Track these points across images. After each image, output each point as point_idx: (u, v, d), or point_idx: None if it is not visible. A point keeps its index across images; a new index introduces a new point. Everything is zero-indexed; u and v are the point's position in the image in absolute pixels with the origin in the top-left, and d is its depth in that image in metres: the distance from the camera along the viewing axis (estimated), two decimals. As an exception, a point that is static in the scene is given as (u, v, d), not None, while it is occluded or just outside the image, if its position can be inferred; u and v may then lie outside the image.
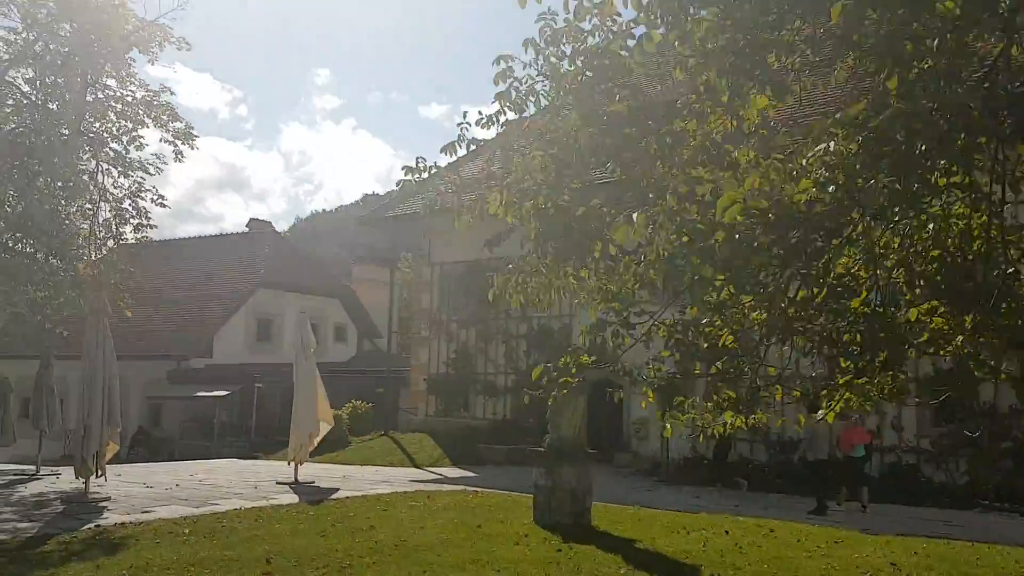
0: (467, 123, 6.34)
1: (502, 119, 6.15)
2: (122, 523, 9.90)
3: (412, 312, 31.48)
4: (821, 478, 14.44)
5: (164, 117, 18.30)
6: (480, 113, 6.02)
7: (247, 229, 41.62)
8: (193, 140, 18.81)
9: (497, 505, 11.61)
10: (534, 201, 5.71)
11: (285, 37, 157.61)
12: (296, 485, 14.92)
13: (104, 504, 11.54)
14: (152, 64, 20.80)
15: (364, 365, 34.67)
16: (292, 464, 15.57)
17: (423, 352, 25.41)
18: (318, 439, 16.10)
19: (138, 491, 13.19)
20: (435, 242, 25.40)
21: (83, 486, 12.12)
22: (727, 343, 5.76)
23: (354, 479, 16.67)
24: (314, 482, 15.51)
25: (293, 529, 9.58)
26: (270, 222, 42.47)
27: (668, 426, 6.17)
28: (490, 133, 6.14)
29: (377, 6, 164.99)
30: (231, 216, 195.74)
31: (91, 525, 9.78)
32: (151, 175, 18.14)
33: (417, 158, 6.11)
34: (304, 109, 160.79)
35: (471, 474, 18.10)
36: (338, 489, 14.17)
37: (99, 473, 12.02)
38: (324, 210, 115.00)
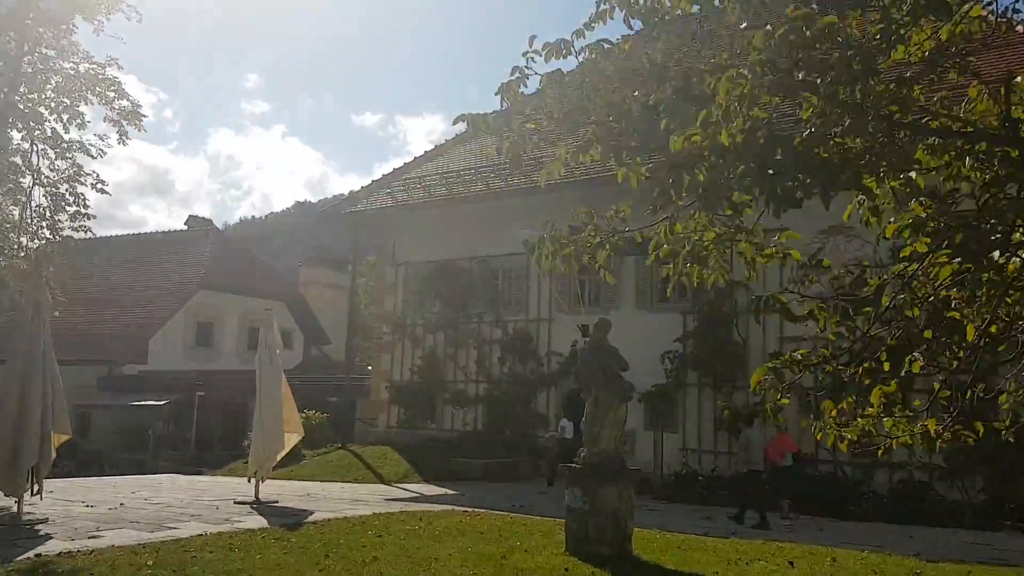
0: (533, 52, 5.08)
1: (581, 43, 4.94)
2: (68, 551, 8.35)
3: (372, 316, 29.97)
4: (755, 489, 14.05)
5: (110, 94, 16.70)
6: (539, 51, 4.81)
7: (185, 227, 39.51)
8: (140, 121, 17.23)
9: (508, 530, 10.31)
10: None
11: (214, 40, 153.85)
12: (259, 505, 13.41)
13: (41, 527, 9.93)
14: (97, 36, 19.10)
15: (312, 373, 32.93)
16: (253, 481, 14.02)
17: (385, 358, 23.95)
18: (283, 453, 14.57)
19: (79, 511, 11.56)
20: (401, 240, 23.99)
21: (15, 506, 10.42)
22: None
23: (321, 498, 15.19)
24: (277, 501, 14.01)
25: (279, 562, 8.16)
26: (210, 219, 40.46)
27: (822, 436, 4.98)
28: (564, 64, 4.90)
29: (308, 13, 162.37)
30: (153, 221, 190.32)
31: (30, 554, 8.21)
32: (93, 158, 16.52)
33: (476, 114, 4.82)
34: (232, 114, 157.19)
35: (450, 491, 16.74)
36: (310, 511, 12.70)
37: (35, 490, 10.36)
38: (253, 216, 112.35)
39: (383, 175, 25.06)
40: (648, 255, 4.97)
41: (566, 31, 4.62)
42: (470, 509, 12.96)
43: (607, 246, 4.93)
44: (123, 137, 17.17)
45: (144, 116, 17.43)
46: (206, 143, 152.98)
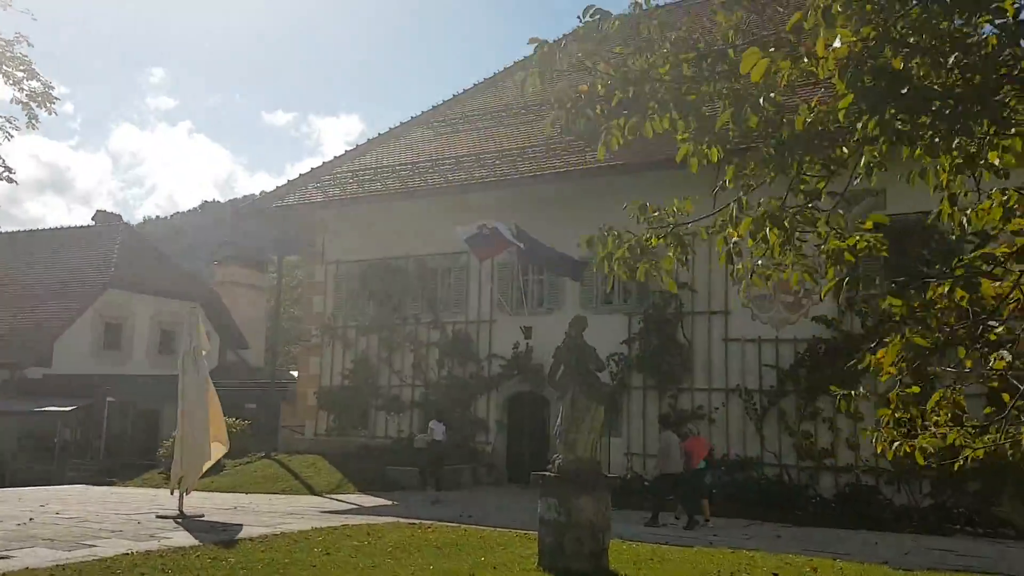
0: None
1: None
2: (-26, 579, 7.40)
3: (295, 317, 28.84)
4: (679, 493, 14.11)
5: (18, 73, 15.56)
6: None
7: (93, 223, 37.54)
8: (52, 104, 16.08)
9: (466, 543, 9.71)
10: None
11: (116, 32, 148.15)
12: (184, 519, 12.48)
13: (-61, 549, 8.89)
14: (4, 9, 17.63)
15: (229, 378, 31.56)
16: (176, 493, 13.04)
17: (313, 362, 22.99)
18: (209, 464, 13.62)
19: (-18, 529, 10.46)
20: (331, 238, 23.10)
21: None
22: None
23: (250, 511, 14.29)
24: (203, 515, 13.10)
25: (222, 583, 7.38)
26: (120, 215, 38.52)
27: (883, 448, 4.57)
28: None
29: (216, 8, 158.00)
30: (52, 219, 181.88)
31: (-70, 583, 7.25)
32: (-4, 143, 15.36)
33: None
34: (136, 109, 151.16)
35: (388, 502, 16.02)
36: (240, 525, 11.85)
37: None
38: (158, 216, 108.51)
39: (312, 169, 24.07)
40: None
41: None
42: (417, 521, 12.31)
43: (674, 245, 4.40)
44: (33, 121, 16.04)
45: (56, 99, 16.29)
46: (108, 139, 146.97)
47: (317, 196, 22.46)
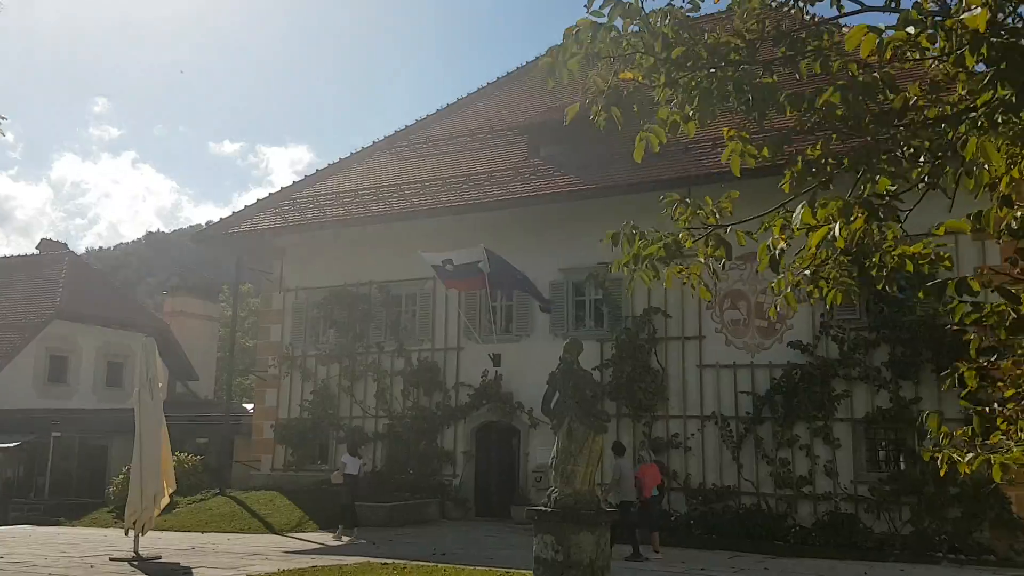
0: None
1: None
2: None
3: (249, 348, 27.93)
4: (627, 522, 13.56)
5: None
6: None
7: (37, 252, 36.22)
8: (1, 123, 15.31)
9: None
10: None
11: (58, 60, 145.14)
12: (141, 562, 11.76)
13: None
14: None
15: (179, 411, 30.48)
16: (132, 534, 12.27)
17: (270, 394, 22.20)
18: (165, 501, 12.87)
19: (-82, 580, 9.65)
20: (289, 264, 22.45)
21: None
22: None
23: (209, 551, 13.56)
24: (160, 556, 12.41)
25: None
26: (65, 243, 37.26)
27: (947, 465, 4.20)
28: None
29: (160, 39, 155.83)
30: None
31: None
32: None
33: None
34: (79, 138, 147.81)
35: (356, 540, 15.31)
36: (201, 568, 11.15)
37: None
38: (100, 247, 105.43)
39: (270, 194, 23.42)
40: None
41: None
42: (390, 560, 11.71)
43: (714, 246, 4.00)
44: (-24, 140, 15.26)
45: (4, 119, 15.51)
46: (50, 169, 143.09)
47: (276, 221, 21.82)
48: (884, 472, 15.31)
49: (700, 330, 17.09)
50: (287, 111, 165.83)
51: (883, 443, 15.61)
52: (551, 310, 18.14)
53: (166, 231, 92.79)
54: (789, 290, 4.33)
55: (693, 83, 3.89)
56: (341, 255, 21.53)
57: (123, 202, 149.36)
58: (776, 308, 4.39)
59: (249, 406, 25.72)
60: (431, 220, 19.73)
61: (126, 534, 12.61)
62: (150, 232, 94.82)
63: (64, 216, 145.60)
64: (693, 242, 4.14)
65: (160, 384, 12.72)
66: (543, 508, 7.71)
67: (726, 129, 4.02)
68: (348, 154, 24.19)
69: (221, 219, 22.92)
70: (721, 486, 16.29)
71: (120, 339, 32.77)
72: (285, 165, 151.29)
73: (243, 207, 23.30)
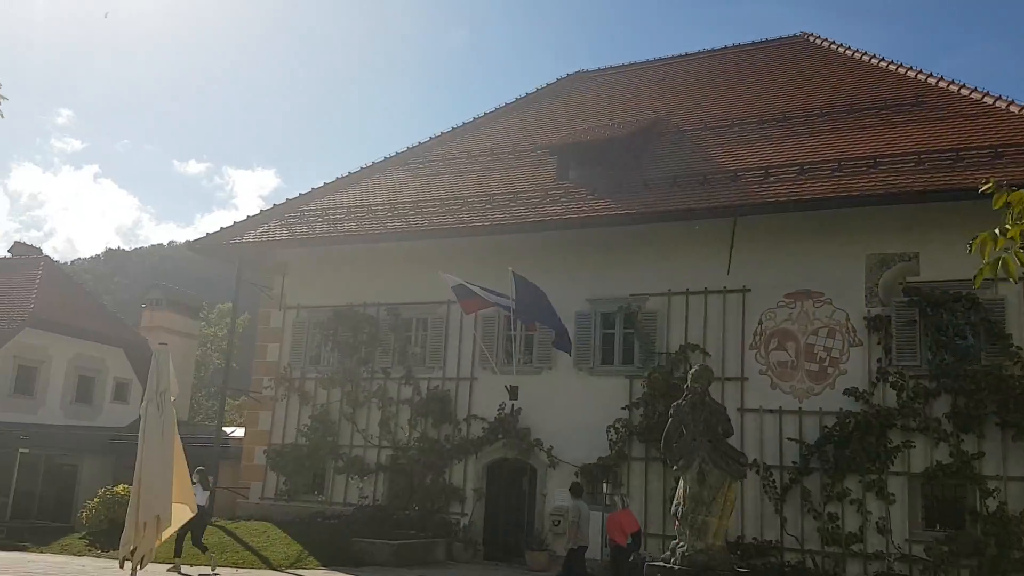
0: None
1: None
2: None
3: (236, 368, 26.32)
4: (573, 569, 13.16)
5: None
6: None
7: (9, 255, 34.41)
8: (-2, 103, 13.98)
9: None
10: None
11: (20, 69, 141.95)
12: (138, 600, 10.29)
13: None
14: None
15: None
16: (130, 565, 10.80)
17: (263, 417, 20.75)
18: (170, 530, 11.43)
19: None
20: (292, 280, 21.14)
21: None
22: None
23: (210, 589, 12.08)
24: (159, 594, 10.90)
25: None
26: (39, 248, 35.50)
27: None
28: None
29: (130, 53, 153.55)
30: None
31: None
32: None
33: None
34: (40, 149, 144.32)
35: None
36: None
37: None
38: (56, 261, 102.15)
39: (274, 205, 22.17)
40: None
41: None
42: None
43: None
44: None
45: (4, 98, 14.18)
46: (7, 178, 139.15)
47: (282, 233, 20.54)
48: (942, 531, 14.25)
49: (742, 371, 16.01)
50: (256, 135, 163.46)
51: (941, 500, 14.55)
52: (569, 351, 16.94)
53: (126, 248, 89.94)
54: None
55: None
56: (348, 273, 20.29)
57: (82, 216, 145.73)
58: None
59: (229, 429, 24.17)
60: (449, 240, 18.60)
61: (121, 566, 11.14)
62: (109, 249, 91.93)
63: (19, 227, 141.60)
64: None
65: (173, 398, 11.31)
66: (667, 565, 6.53)
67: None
68: (320, 182, 23.03)
69: (221, 228, 21.55)
70: (762, 540, 15.12)
71: (94, 352, 31.02)
72: (251, 189, 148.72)
73: (245, 217, 22.00)
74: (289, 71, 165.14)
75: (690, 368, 16.23)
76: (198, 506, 15.07)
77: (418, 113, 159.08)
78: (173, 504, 11.32)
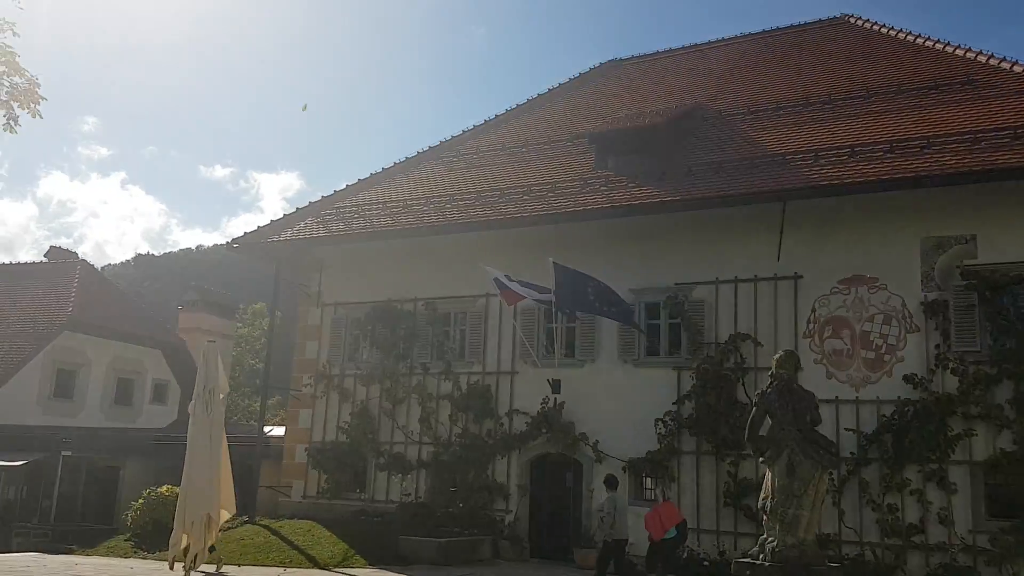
0: None
1: None
2: None
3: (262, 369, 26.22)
4: (622, 564, 12.90)
5: (-1, 67, 13.45)
6: None
7: (45, 259, 34.71)
8: (38, 104, 13.93)
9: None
10: None
11: (47, 77, 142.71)
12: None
13: None
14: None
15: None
16: (183, 567, 10.69)
17: (304, 415, 20.64)
18: (214, 534, 11.29)
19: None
20: (329, 277, 20.99)
21: None
22: None
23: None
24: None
25: None
26: (76, 252, 35.81)
27: None
28: None
29: (151, 59, 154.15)
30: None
31: None
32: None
33: None
34: (67, 157, 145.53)
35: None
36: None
37: None
38: (92, 265, 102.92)
39: (310, 203, 22.05)
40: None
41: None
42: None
43: None
44: (12, 123, 13.84)
45: (43, 99, 14.13)
46: (36, 186, 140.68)
47: (319, 231, 20.39)
48: (1007, 521, 13.77)
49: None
50: (279, 138, 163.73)
51: (1006, 489, 14.06)
52: (639, 326, 16.65)
53: (155, 254, 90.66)
54: None
55: None
56: (385, 269, 20.09)
57: (111, 223, 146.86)
58: None
59: (268, 429, 24.11)
60: (487, 233, 18.34)
61: (170, 567, 11.04)
62: (139, 254, 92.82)
63: (49, 235, 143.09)
64: None
65: (221, 396, 11.18)
66: (757, 562, 6.22)
67: None
68: (342, 184, 22.61)
69: (258, 227, 21.47)
70: (819, 533, 14.61)
71: (132, 354, 31.26)
72: (276, 191, 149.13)
73: (281, 215, 21.92)
74: (310, 73, 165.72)
75: (741, 359, 16.07)
76: None
77: (439, 112, 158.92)
78: (222, 507, 11.23)
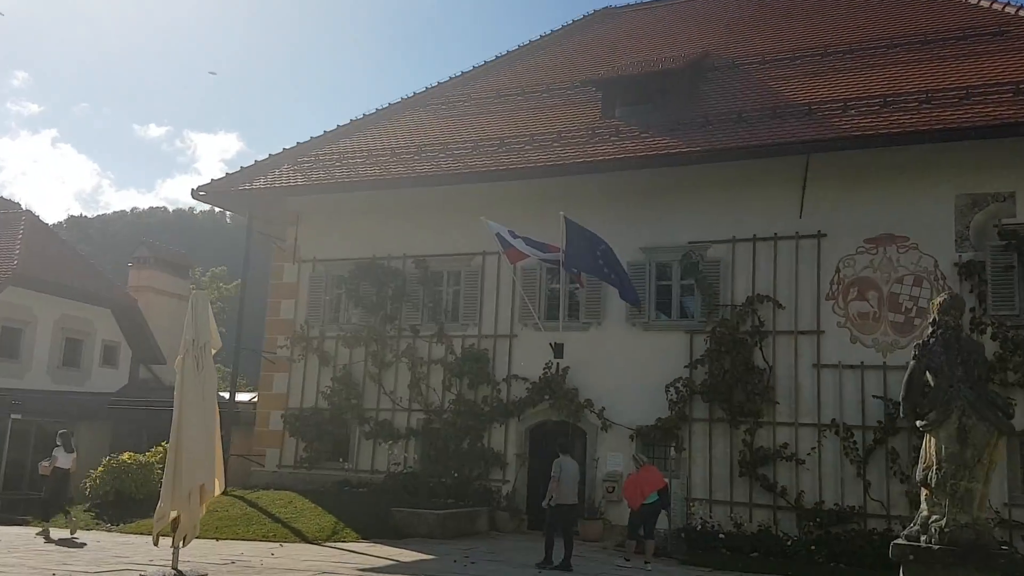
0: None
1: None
2: None
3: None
4: (562, 525, 12.56)
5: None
6: None
7: (-12, 211, 32.77)
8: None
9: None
10: None
11: None
12: (185, 581, 9.23)
13: None
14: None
15: (141, 396, 27.56)
16: (176, 543, 9.70)
17: (279, 379, 19.56)
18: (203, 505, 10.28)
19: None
20: (306, 231, 19.84)
21: None
22: None
23: (262, 567, 11.04)
24: (207, 574, 9.85)
25: None
26: (20, 203, 33.89)
27: None
28: None
29: (83, 14, 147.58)
30: None
31: None
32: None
33: None
34: None
35: (423, 555, 12.88)
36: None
37: None
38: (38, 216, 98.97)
39: (284, 149, 20.77)
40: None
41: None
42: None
43: None
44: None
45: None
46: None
47: (297, 179, 19.20)
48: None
49: (818, 323, 14.99)
50: (218, 97, 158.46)
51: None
52: (638, 304, 15.77)
53: (88, 215, 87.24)
54: None
55: None
56: (370, 222, 19.03)
57: (41, 182, 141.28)
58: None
59: (242, 395, 22.97)
60: (486, 185, 17.38)
61: (155, 543, 10.04)
62: (72, 216, 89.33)
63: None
64: None
65: (214, 351, 10.12)
66: (922, 545, 5.47)
67: None
68: (281, 148, 21.01)
69: (227, 175, 20.18)
70: (843, 507, 14.22)
71: (80, 312, 29.63)
72: (214, 153, 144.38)
73: (253, 163, 20.64)
74: (250, 32, 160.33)
75: (759, 322, 15.39)
76: (62, 470, 15.39)
77: (392, 74, 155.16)
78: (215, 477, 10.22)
